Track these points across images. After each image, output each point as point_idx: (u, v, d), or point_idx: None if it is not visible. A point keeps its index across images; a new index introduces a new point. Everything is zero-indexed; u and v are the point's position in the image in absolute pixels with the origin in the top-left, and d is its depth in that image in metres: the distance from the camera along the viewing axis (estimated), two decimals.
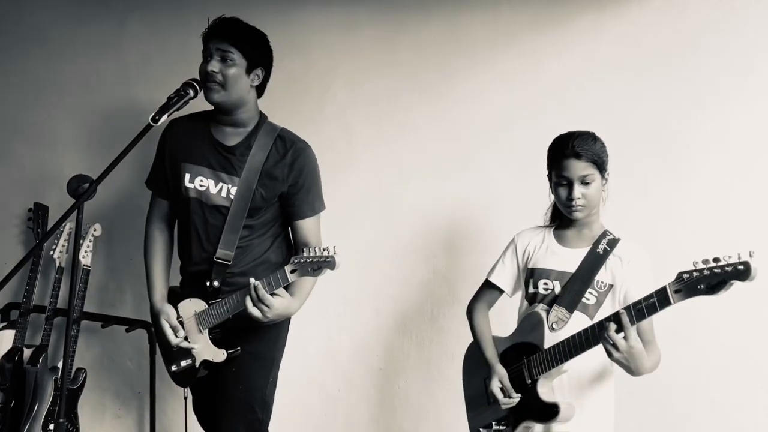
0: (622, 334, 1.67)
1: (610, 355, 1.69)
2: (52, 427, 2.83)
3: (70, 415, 2.94)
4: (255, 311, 1.95)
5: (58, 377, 2.88)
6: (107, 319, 3.03)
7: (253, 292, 1.94)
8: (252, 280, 1.95)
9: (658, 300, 1.61)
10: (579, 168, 1.83)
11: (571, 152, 1.83)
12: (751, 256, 1.49)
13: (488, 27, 2.50)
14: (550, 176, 1.95)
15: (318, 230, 2.20)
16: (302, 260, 1.88)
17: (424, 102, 2.61)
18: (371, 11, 2.67)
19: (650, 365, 1.76)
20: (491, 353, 1.99)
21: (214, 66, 2.02)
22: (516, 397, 1.88)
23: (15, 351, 2.92)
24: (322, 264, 1.85)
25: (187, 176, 2.12)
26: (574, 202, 1.84)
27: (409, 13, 2.61)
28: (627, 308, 1.68)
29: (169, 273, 2.32)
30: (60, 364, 2.94)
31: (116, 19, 3.06)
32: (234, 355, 2.11)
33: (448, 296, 2.62)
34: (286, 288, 2.03)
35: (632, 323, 1.66)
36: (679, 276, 1.59)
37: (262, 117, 2.17)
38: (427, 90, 2.61)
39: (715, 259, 1.53)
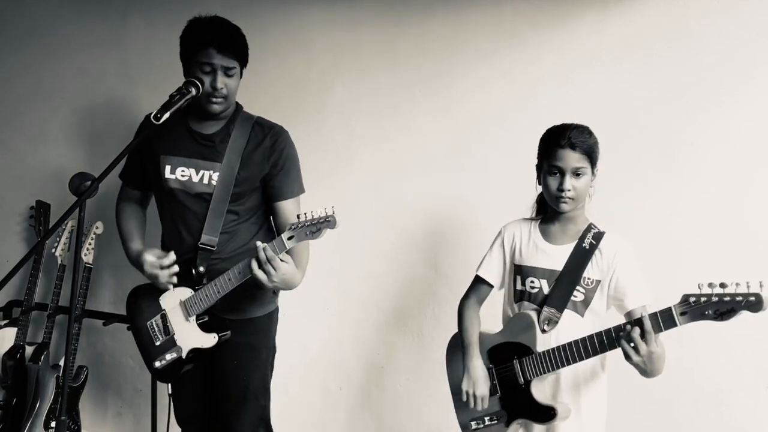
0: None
1: (628, 358, 1.66)
2: (53, 424, 2.84)
3: (72, 412, 2.95)
4: (260, 274, 1.94)
5: (60, 375, 2.89)
6: (109, 316, 3.03)
7: (261, 253, 1.92)
8: (259, 243, 1.94)
9: (663, 320, 1.60)
10: (573, 159, 1.82)
11: (567, 143, 1.81)
12: (761, 286, 1.46)
13: (490, 24, 2.50)
14: (539, 166, 1.93)
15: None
16: (299, 225, 1.85)
17: (426, 99, 2.61)
18: (373, 8, 2.66)
19: (663, 367, 1.74)
20: (472, 353, 1.98)
21: (221, 82, 2.04)
22: (484, 407, 1.92)
23: (17, 348, 2.93)
24: (322, 225, 1.82)
25: (168, 168, 2.14)
26: (564, 194, 1.83)
27: (411, 11, 2.60)
28: (650, 316, 1.65)
29: (144, 234, 2.32)
30: (61, 362, 2.95)
31: (117, 16, 3.05)
32: (224, 339, 2.11)
33: (450, 294, 2.61)
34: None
35: (656, 331, 1.64)
36: (685, 299, 1.57)
37: (239, 106, 2.21)
38: (428, 87, 2.60)
39: (722, 285, 1.49)
